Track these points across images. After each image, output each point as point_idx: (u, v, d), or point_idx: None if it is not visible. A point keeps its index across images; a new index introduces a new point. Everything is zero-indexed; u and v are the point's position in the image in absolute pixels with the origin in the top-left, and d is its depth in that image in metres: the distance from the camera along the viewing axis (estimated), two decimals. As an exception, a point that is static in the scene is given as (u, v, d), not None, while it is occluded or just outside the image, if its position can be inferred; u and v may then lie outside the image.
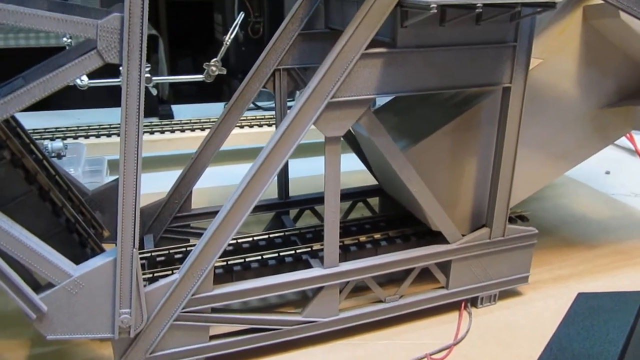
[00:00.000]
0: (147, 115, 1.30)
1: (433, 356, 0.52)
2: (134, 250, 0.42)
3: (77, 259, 0.45)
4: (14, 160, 0.42)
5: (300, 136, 0.45)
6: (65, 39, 0.99)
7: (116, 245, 0.43)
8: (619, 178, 1.01)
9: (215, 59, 1.11)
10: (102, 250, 0.52)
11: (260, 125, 1.06)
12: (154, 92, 1.27)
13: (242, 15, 1.19)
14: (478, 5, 0.41)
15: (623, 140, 1.11)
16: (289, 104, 0.64)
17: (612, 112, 0.57)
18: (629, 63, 0.56)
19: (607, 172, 1.02)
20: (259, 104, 1.31)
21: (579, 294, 0.62)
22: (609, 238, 0.76)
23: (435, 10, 0.40)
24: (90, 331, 0.44)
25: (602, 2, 0.48)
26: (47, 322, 0.43)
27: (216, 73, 1.13)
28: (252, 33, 2.61)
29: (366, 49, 0.44)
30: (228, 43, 1.11)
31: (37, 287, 0.42)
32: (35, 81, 0.36)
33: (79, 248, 0.48)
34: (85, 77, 1.06)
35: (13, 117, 0.50)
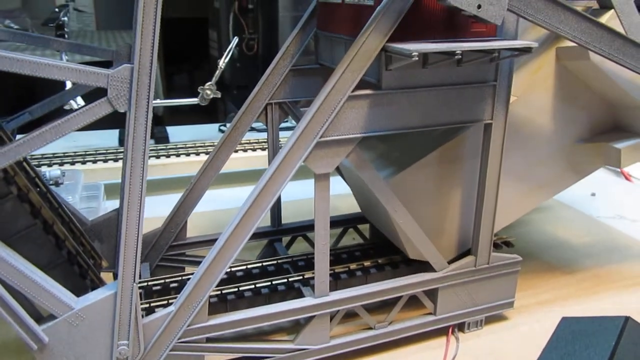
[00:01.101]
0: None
1: (421, 382, 0.54)
2: (134, 285, 0.44)
3: (78, 291, 0.47)
4: (21, 195, 0.44)
5: (291, 173, 0.48)
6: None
7: (115, 278, 0.45)
8: (604, 200, 1.04)
9: (209, 83, 1.13)
10: (101, 281, 0.54)
11: (254, 150, 1.08)
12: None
13: (236, 40, 1.21)
14: (458, 52, 0.43)
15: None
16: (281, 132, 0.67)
17: (585, 147, 0.60)
18: (600, 102, 0.59)
19: (593, 194, 1.05)
20: (253, 125, 1.34)
21: (563, 319, 0.64)
22: (593, 261, 0.78)
23: (417, 58, 0.42)
24: (88, 361, 0.46)
25: (574, 44, 0.51)
26: (47, 353, 0.44)
27: (211, 96, 1.16)
28: (246, 49, 2.65)
29: (353, 90, 0.47)
30: (222, 67, 1.14)
31: (39, 318, 0.44)
32: (48, 126, 0.38)
33: (80, 279, 0.50)
34: (80, 101, 1.09)
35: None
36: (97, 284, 0.53)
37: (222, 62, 1.13)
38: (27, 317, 0.42)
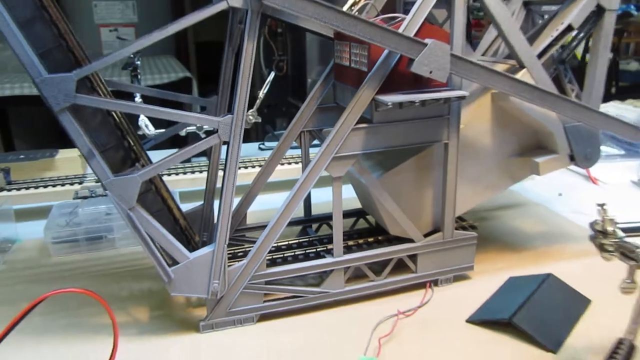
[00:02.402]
0: (198, 155, 1.66)
1: (404, 312, 0.81)
2: (224, 246, 0.73)
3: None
4: (157, 189, 0.74)
5: (316, 177, 0.76)
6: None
7: (212, 242, 0.74)
8: (570, 199, 1.29)
9: (252, 110, 1.43)
10: (196, 247, 0.84)
11: (289, 164, 1.38)
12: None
13: (273, 74, 1.50)
14: (416, 102, 0.72)
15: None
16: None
17: (516, 160, 0.87)
18: (525, 128, 0.86)
19: (560, 194, 1.30)
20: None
21: (509, 277, 0.90)
22: (542, 243, 1.04)
23: (391, 106, 0.71)
24: (195, 292, 0.75)
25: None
26: (173, 285, 0.74)
27: (252, 121, 1.46)
28: (276, 70, 2.94)
29: (355, 124, 0.76)
30: (262, 97, 1.43)
31: (172, 263, 0.74)
32: (179, 152, 0.68)
33: (186, 243, 0.79)
34: (152, 128, 1.40)
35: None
36: (195, 247, 0.82)
37: (262, 93, 1.42)
38: (163, 261, 0.72)
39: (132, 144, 0.75)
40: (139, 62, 1.62)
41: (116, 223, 1.07)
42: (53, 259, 1.04)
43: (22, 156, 1.44)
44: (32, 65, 0.61)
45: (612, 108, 2.11)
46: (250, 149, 1.72)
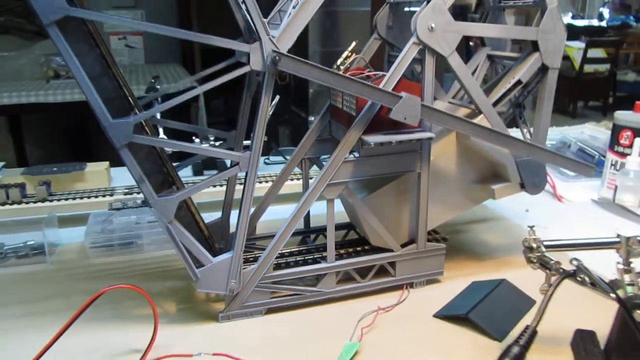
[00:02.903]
0: (209, 168, 1.93)
1: (384, 308, 1.00)
2: (241, 252, 0.92)
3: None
4: (187, 206, 0.93)
5: (314, 200, 0.96)
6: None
7: (230, 249, 0.93)
8: (535, 215, 1.48)
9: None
10: (216, 253, 1.03)
11: (292, 180, 1.57)
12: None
13: (278, 97, 1.69)
14: (393, 142, 0.91)
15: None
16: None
17: (477, 186, 1.06)
18: (483, 161, 1.05)
19: (527, 210, 1.50)
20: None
21: (472, 282, 1.09)
22: (505, 253, 1.22)
23: (373, 146, 0.90)
24: (216, 289, 0.94)
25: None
26: (199, 283, 0.93)
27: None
28: (279, 79, 3.15)
29: (345, 158, 0.95)
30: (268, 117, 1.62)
31: (198, 266, 0.93)
32: (209, 179, 0.88)
33: (209, 250, 0.99)
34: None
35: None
36: (215, 252, 1.01)
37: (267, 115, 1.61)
38: (192, 264, 0.91)
39: (169, 170, 0.94)
40: (159, 87, 1.82)
41: (145, 231, 1.26)
42: (91, 260, 1.24)
43: (55, 169, 1.63)
44: (102, 112, 0.80)
45: (588, 130, 2.31)
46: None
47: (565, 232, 1.37)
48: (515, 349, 0.68)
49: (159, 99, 1.78)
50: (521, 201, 1.52)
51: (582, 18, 10.70)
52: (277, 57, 0.82)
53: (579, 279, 0.69)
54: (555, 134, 2.14)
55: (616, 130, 1.54)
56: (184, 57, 5.65)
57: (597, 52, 7.64)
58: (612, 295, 0.65)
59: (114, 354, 0.89)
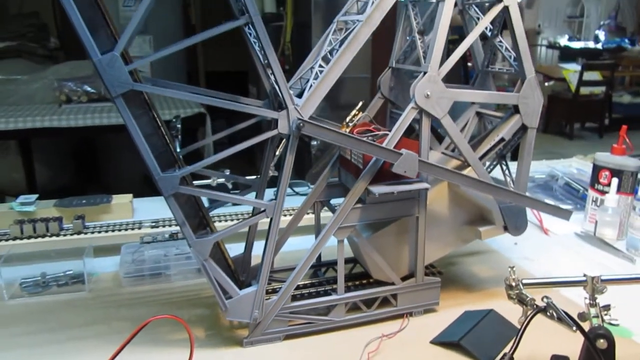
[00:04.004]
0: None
1: (387, 335, 1.14)
2: (264, 286, 1.07)
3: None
4: (218, 244, 1.09)
5: (327, 241, 1.11)
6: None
7: (253, 282, 1.08)
8: (523, 247, 1.63)
9: (272, 163, 1.78)
10: (241, 285, 1.18)
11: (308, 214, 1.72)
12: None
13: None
14: (395, 192, 1.07)
15: (532, 218, 1.75)
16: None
17: (466, 228, 1.22)
18: (472, 206, 1.21)
19: (515, 243, 1.65)
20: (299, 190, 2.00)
21: (465, 311, 1.24)
22: (493, 285, 1.38)
23: (378, 195, 1.06)
24: (242, 318, 1.09)
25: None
26: (227, 312, 1.07)
27: (270, 174, 1.81)
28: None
29: (354, 205, 1.11)
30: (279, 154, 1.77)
31: (227, 297, 1.08)
32: (240, 224, 1.03)
33: (235, 282, 1.14)
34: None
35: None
36: (239, 285, 1.16)
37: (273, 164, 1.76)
38: (222, 295, 1.06)
39: (204, 213, 1.10)
40: (179, 126, 1.99)
41: (172, 263, 1.41)
42: (125, 289, 1.38)
43: (84, 201, 1.79)
44: (154, 167, 0.96)
45: (575, 163, 2.47)
46: (271, 194, 2.07)
47: (550, 264, 1.53)
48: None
49: (179, 136, 1.94)
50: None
51: (579, 40, 10.93)
52: (302, 124, 0.98)
53: (548, 314, 0.84)
54: (545, 168, 2.30)
55: (596, 170, 1.70)
56: (189, 80, 5.83)
57: (593, 75, 7.84)
58: (574, 328, 0.79)
59: (155, 375, 1.04)
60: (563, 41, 10.69)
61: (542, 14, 12.38)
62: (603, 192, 1.67)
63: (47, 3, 5.69)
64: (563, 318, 0.83)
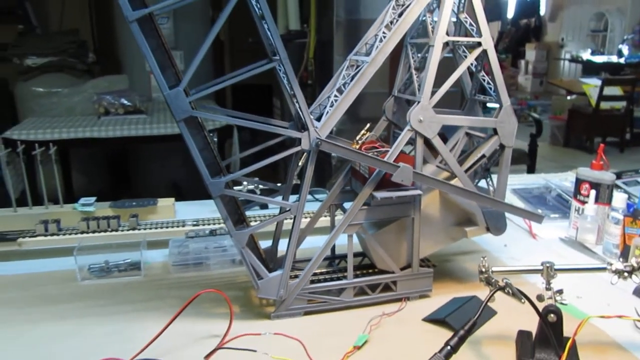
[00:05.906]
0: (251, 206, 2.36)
1: (387, 314, 1.41)
2: (289, 271, 1.35)
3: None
4: (251, 236, 1.37)
5: (339, 235, 1.38)
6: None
7: (279, 268, 1.36)
8: (511, 249, 1.87)
9: (296, 173, 2.06)
10: (270, 270, 1.45)
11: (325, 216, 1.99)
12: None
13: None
14: (394, 197, 1.34)
15: (521, 223, 2.00)
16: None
17: (454, 228, 1.47)
18: (459, 210, 1.47)
19: (505, 245, 1.89)
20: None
21: (453, 297, 1.49)
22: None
23: (380, 200, 1.33)
24: (271, 296, 1.37)
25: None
26: (259, 291, 1.35)
27: (294, 182, 2.09)
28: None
29: (361, 207, 1.38)
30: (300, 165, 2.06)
31: (259, 278, 1.36)
32: (265, 222, 1.31)
33: (265, 267, 1.41)
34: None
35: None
36: (269, 270, 1.44)
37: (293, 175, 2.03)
38: (255, 276, 1.34)
39: (241, 211, 1.39)
40: (216, 139, 2.29)
41: (211, 254, 1.70)
42: (173, 275, 1.67)
43: (134, 203, 2.10)
44: (206, 174, 1.24)
45: (570, 176, 2.69)
46: (294, 199, 2.35)
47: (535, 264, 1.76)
48: (461, 332, 1.09)
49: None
50: (501, 237, 1.92)
51: (602, 54, 10.96)
52: (320, 142, 1.27)
53: (506, 291, 1.10)
54: (541, 181, 2.53)
55: (578, 183, 1.94)
56: (216, 94, 6.17)
57: (614, 90, 7.86)
58: (522, 300, 1.05)
59: (202, 337, 1.32)
60: (586, 55, 10.75)
61: (566, 27, 12.44)
62: (584, 202, 1.91)
63: (86, 21, 6.14)
64: (516, 294, 1.09)
